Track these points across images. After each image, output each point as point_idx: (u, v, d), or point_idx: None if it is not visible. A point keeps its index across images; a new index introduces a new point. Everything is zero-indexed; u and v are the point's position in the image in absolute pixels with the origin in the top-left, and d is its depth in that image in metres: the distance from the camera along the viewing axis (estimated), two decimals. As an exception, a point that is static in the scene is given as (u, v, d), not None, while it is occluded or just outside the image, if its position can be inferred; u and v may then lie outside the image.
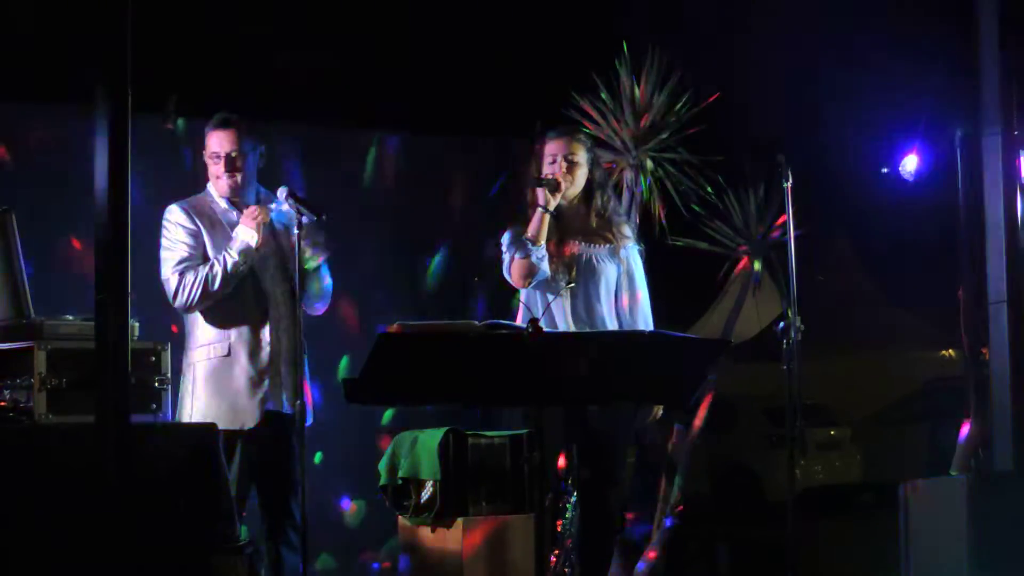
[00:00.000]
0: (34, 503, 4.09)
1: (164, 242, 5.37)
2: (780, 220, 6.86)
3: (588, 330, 5.40)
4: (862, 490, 14.34)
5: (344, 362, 6.83)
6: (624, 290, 5.57)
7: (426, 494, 5.79)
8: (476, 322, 4.42)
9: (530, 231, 5.42)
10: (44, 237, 6.21)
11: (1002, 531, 5.92)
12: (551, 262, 5.45)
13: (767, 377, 9.23)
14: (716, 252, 7.47)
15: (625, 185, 6.97)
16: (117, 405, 3.94)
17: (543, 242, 5.42)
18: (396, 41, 7.83)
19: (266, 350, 5.33)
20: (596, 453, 5.47)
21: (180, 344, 5.39)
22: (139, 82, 4.03)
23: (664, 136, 7.01)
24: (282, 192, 5.27)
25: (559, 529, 5.87)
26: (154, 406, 4.50)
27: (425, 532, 5.81)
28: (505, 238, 5.51)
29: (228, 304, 5.33)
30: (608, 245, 5.57)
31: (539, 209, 5.43)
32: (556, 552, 5.83)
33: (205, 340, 5.35)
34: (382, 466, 6.00)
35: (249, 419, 5.30)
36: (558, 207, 5.50)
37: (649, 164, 6.99)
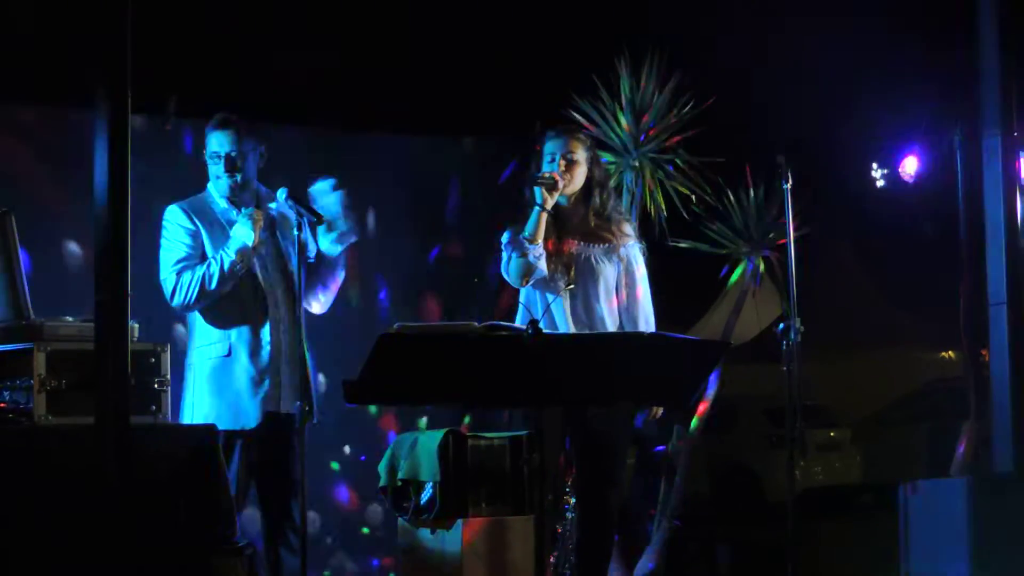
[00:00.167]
0: (34, 504, 4.09)
1: (163, 242, 5.37)
2: (780, 221, 6.86)
3: (588, 331, 5.40)
4: (862, 491, 14.32)
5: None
6: (624, 288, 5.56)
7: (426, 495, 5.78)
8: (476, 323, 4.42)
9: (527, 230, 5.42)
10: (44, 238, 6.21)
11: (1002, 531, 5.92)
12: (549, 261, 5.44)
13: (767, 378, 9.23)
14: (716, 253, 7.48)
15: (625, 186, 6.97)
16: (117, 406, 3.95)
17: (540, 241, 5.42)
18: (396, 41, 7.82)
19: (266, 349, 5.33)
20: (596, 453, 5.48)
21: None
22: (139, 82, 4.03)
23: (664, 137, 7.01)
24: (283, 193, 5.27)
25: (559, 530, 5.88)
26: (154, 407, 4.50)
27: (425, 533, 5.81)
28: (503, 237, 5.50)
29: (228, 304, 5.32)
30: (606, 244, 5.56)
31: (536, 208, 5.43)
32: (556, 553, 5.84)
33: (206, 340, 5.35)
34: (382, 467, 5.99)
35: (250, 419, 5.30)
36: (556, 206, 5.50)
37: (649, 165, 6.99)
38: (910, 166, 7.38)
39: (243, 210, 5.33)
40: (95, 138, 3.96)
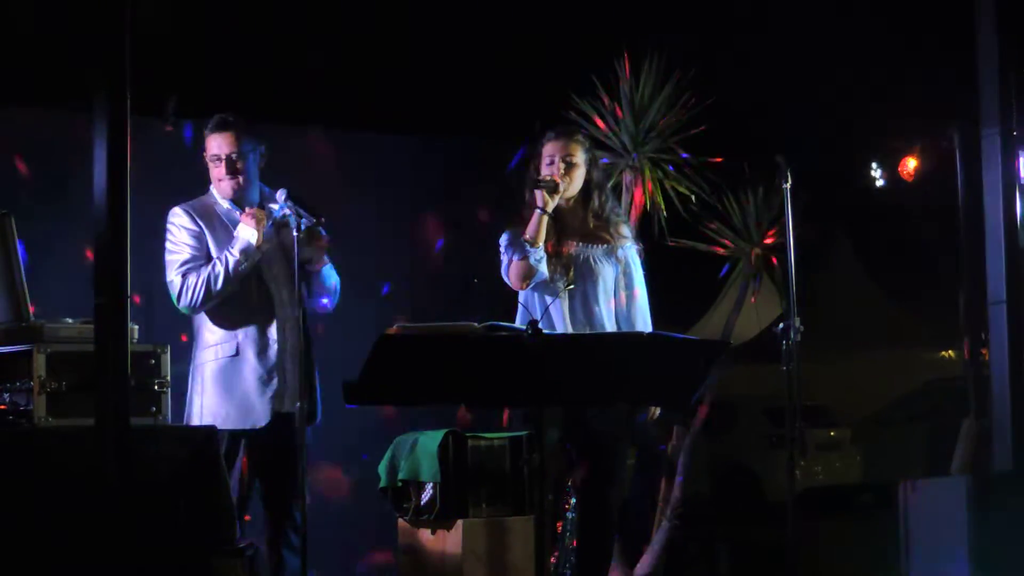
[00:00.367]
0: (34, 506, 4.09)
1: (168, 245, 5.37)
2: (779, 221, 6.86)
3: (587, 331, 5.40)
4: (862, 490, 14.32)
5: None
6: (622, 289, 5.57)
7: (426, 496, 5.79)
8: (475, 323, 4.42)
9: (528, 233, 5.41)
10: (43, 240, 6.21)
11: (1002, 531, 5.92)
12: (549, 263, 5.44)
13: (767, 378, 9.23)
14: (715, 253, 7.47)
15: (624, 187, 6.97)
16: (117, 408, 3.95)
17: (541, 243, 5.42)
18: (396, 41, 7.83)
19: (274, 348, 5.33)
20: (596, 453, 5.48)
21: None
22: (139, 83, 4.03)
23: (663, 137, 7.01)
24: (281, 194, 5.26)
25: (559, 530, 5.88)
26: (154, 408, 4.50)
27: (425, 534, 5.81)
28: (503, 240, 5.50)
29: (234, 304, 5.32)
30: (605, 245, 5.56)
31: (537, 211, 5.42)
32: (556, 553, 5.84)
33: (213, 341, 5.35)
34: (382, 468, 6.00)
35: (260, 418, 5.30)
36: (556, 208, 5.50)
37: (648, 165, 6.99)
38: (910, 166, 7.38)
39: (246, 210, 5.33)
40: (95, 139, 3.96)
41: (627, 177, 6.99)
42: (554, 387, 4.35)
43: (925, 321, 17.50)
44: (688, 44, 7.36)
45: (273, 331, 5.34)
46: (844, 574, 8.02)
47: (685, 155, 7.03)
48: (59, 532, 4.07)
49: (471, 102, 7.76)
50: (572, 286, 5.47)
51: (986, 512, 5.94)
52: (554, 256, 5.48)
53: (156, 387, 4.52)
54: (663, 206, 7.00)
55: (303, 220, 5.19)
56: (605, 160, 6.42)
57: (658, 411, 5.72)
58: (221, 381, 5.32)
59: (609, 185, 6.01)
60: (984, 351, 7.06)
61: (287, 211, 5.26)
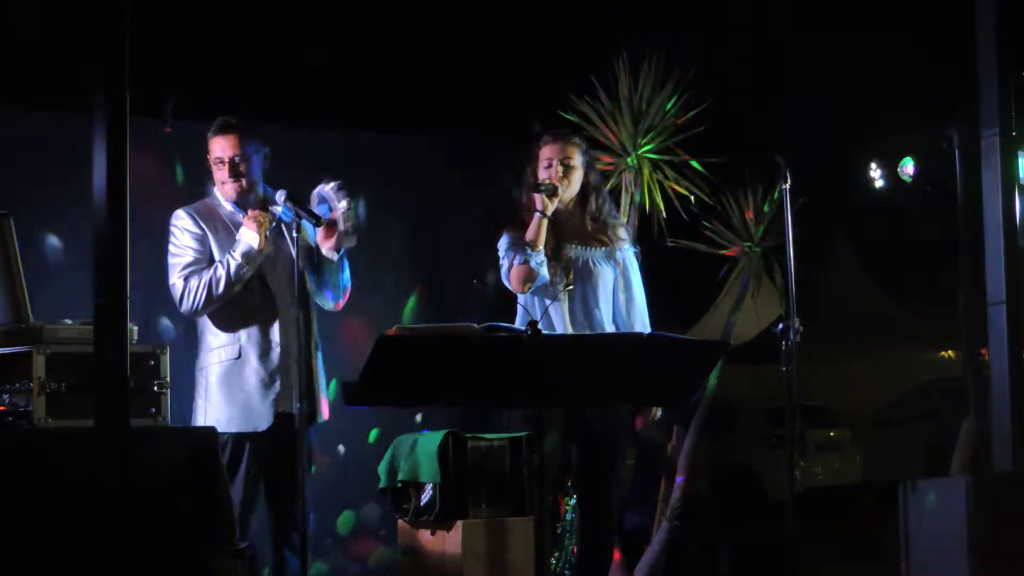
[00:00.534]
0: (34, 507, 4.09)
1: (171, 248, 5.35)
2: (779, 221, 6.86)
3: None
4: (862, 490, 14.34)
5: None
6: (620, 292, 5.57)
7: (426, 497, 5.78)
8: (475, 324, 4.42)
9: (528, 236, 5.41)
10: (43, 241, 6.20)
11: (1002, 531, 5.92)
12: (548, 266, 5.44)
13: (767, 378, 9.23)
14: (715, 253, 7.47)
15: (623, 187, 6.97)
16: (116, 409, 3.95)
17: (542, 247, 5.41)
18: (396, 41, 7.84)
19: (276, 351, 5.32)
20: (596, 453, 5.48)
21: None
22: (138, 84, 4.03)
23: (663, 138, 7.01)
24: (281, 195, 5.24)
25: (559, 530, 5.88)
26: (153, 409, 4.49)
27: (425, 535, 5.81)
28: (503, 243, 5.49)
29: (237, 307, 5.32)
30: (604, 248, 5.56)
31: (537, 214, 5.42)
32: (556, 553, 5.84)
33: (216, 343, 5.34)
34: (381, 469, 5.99)
35: (263, 421, 5.29)
36: (554, 211, 5.49)
37: (647, 166, 6.99)
38: (909, 166, 7.38)
39: (249, 213, 5.32)
40: (94, 140, 3.95)
41: (626, 178, 6.99)
42: (554, 388, 4.36)
43: (925, 321, 17.53)
44: (688, 44, 7.36)
45: (275, 333, 5.34)
46: (844, 574, 8.03)
47: (685, 156, 7.03)
48: (59, 533, 4.07)
49: (471, 102, 7.76)
50: (571, 287, 5.47)
51: (986, 512, 5.95)
52: (553, 259, 5.47)
53: (156, 388, 4.52)
54: (662, 207, 7.00)
55: (302, 221, 5.19)
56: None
57: (659, 412, 5.72)
58: (224, 385, 5.32)
59: (608, 186, 6.01)
60: (984, 351, 7.05)
61: (289, 213, 5.25)
